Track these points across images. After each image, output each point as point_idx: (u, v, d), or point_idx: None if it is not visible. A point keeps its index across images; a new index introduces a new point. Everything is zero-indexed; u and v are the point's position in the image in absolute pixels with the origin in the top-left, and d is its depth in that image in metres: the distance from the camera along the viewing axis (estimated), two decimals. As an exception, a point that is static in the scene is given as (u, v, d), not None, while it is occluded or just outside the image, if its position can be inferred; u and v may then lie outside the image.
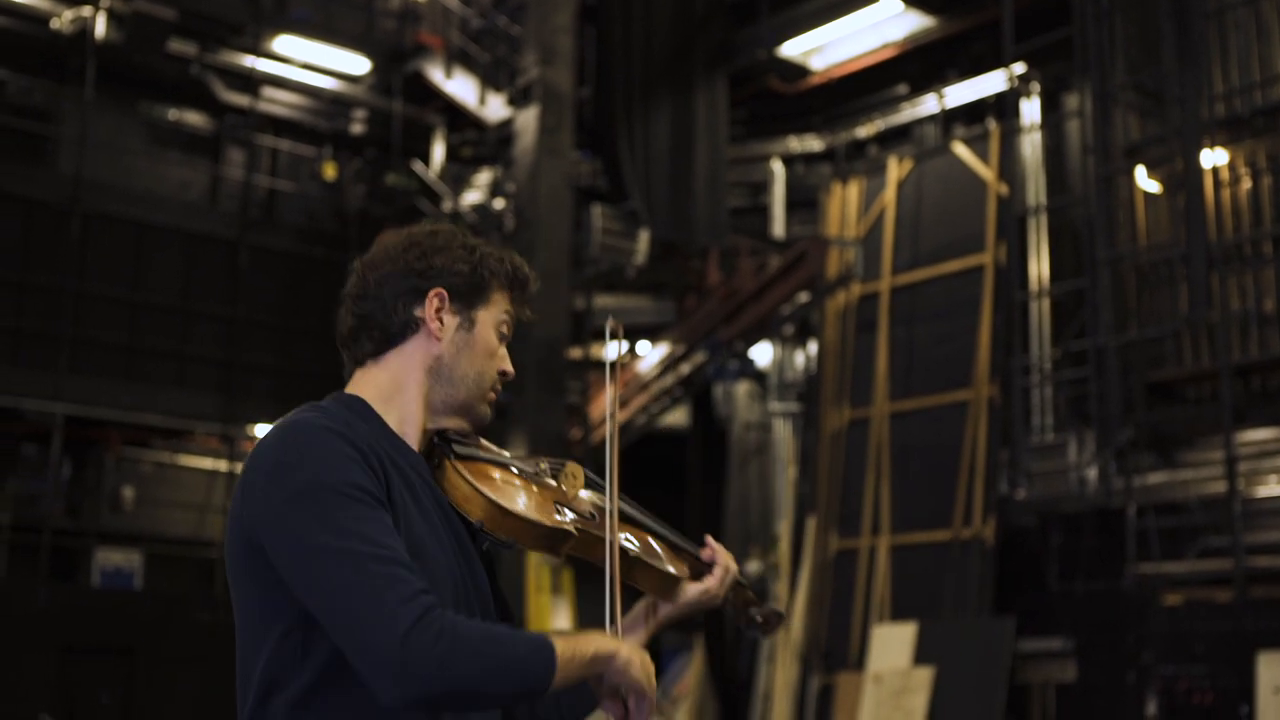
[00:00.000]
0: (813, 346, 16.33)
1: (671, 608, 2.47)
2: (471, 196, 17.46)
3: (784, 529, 15.50)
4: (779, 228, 17.75)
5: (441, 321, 2.30)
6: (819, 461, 14.71)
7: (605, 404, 2.45)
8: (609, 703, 2.17)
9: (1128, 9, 13.21)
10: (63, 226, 14.90)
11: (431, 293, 2.30)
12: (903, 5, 16.21)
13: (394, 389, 2.30)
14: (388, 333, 2.30)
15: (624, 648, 2.13)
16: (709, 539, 2.55)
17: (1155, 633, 11.03)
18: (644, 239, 16.70)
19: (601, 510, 2.38)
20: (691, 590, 2.46)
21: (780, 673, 14.11)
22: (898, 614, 13.17)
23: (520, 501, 2.26)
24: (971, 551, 12.88)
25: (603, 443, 17.19)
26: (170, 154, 16.74)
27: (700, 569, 2.51)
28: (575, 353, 16.61)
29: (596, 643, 2.11)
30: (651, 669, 2.16)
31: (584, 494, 2.42)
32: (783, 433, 17.45)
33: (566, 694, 2.36)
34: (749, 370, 17.43)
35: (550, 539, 2.26)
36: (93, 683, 13.47)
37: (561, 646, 2.04)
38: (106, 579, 14.77)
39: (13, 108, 15.24)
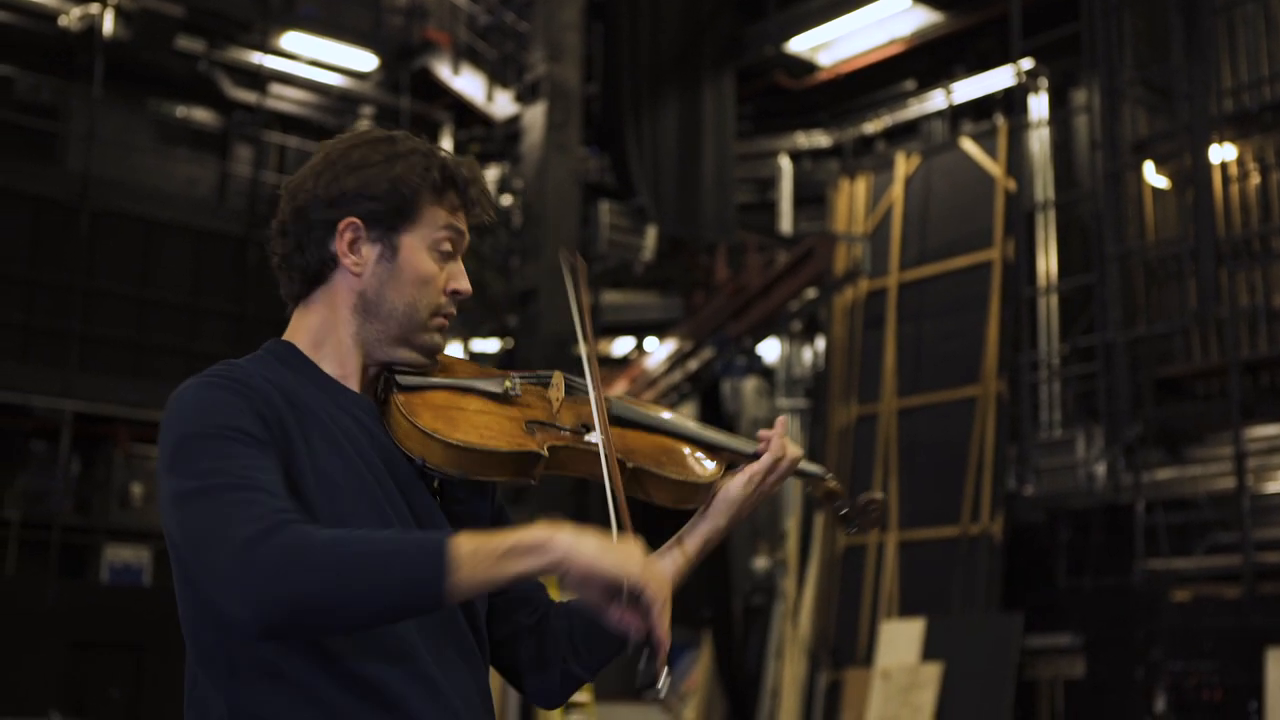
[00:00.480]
0: (820, 342, 16.33)
1: (718, 515, 2.22)
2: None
3: (792, 525, 15.49)
4: (787, 224, 17.75)
5: (360, 254, 2.07)
6: (827, 457, 14.70)
7: (575, 305, 2.28)
8: (614, 614, 1.81)
9: (1136, 4, 13.19)
10: (71, 224, 14.92)
11: (341, 225, 2.06)
12: (910, 1, 16.19)
13: (324, 332, 2.10)
14: (307, 273, 2.10)
15: (565, 533, 1.76)
16: (762, 433, 2.30)
17: (1164, 629, 11.01)
18: (651, 235, 16.70)
19: (592, 422, 2.14)
20: (733, 487, 2.22)
21: (788, 668, 14.11)
22: (906, 610, 13.16)
23: (465, 428, 2.02)
24: (979, 547, 12.87)
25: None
26: (178, 151, 16.75)
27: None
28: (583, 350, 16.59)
29: (519, 533, 1.76)
30: (635, 555, 1.79)
31: (571, 405, 2.18)
32: (792, 429, 17.45)
33: (580, 629, 2.15)
34: (756, 366, 17.44)
35: (508, 465, 2.02)
36: (102, 679, 13.49)
37: (462, 542, 1.73)
38: (115, 575, 14.80)
39: (21, 105, 15.27)
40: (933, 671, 12.07)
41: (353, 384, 2.09)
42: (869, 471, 14.18)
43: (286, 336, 2.13)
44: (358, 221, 2.05)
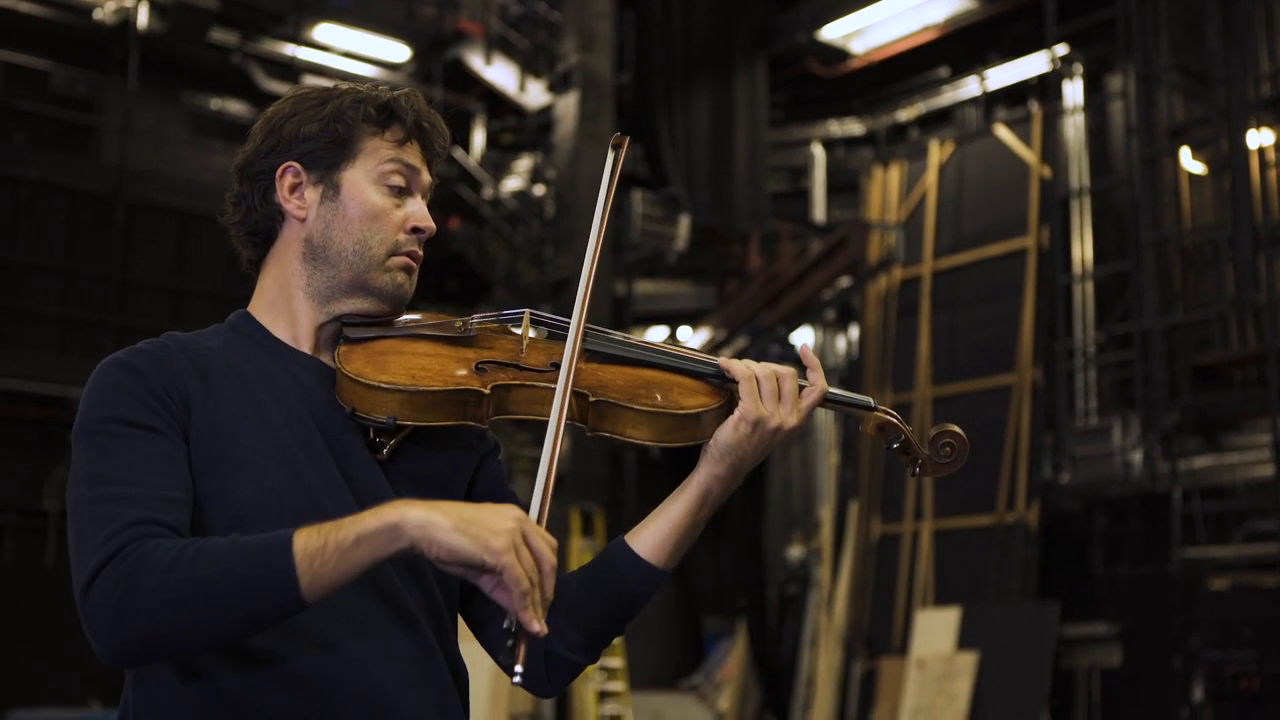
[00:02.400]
0: (854, 331, 16.30)
1: (714, 461, 1.98)
2: (512, 183, 17.49)
3: (826, 514, 15.46)
4: (820, 212, 17.71)
5: (303, 198, 1.99)
6: (861, 447, 14.67)
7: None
8: (486, 587, 1.66)
9: (1172, -12, 13.10)
10: (107, 216, 15.01)
11: (279, 170, 1.99)
12: (944, -13, 16.13)
13: (278, 292, 2.02)
14: (258, 233, 2.03)
15: (417, 511, 1.62)
16: (720, 361, 2.04)
17: (1201, 618, 10.95)
18: (684, 224, 16.69)
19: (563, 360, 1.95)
20: (722, 429, 1.97)
21: (823, 658, 14.09)
22: (941, 599, 13.12)
23: (395, 370, 1.88)
24: (1015, 536, 12.82)
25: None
26: (213, 143, 16.82)
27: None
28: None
29: (364, 519, 1.64)
30: (499, 528, 1.63)
31: (544, 345, 2.03)
32: (824, 418, 17.41)
33: (564, 606, 1.98)
34: (790, 355, 17.40)
35: (442, 405, 1.87)
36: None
37: (306, 540, 1.63)
38: (153, 565, 14.89)
39: (57, 99, 15.36)
40: (968, 660, 12.04)
41: (304, 345, 2.00)
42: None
43: (249, 306, 2.07)
44: (296, 165, 1.99)
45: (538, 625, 1.62)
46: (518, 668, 1.63)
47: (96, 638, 1.66)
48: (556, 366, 1.95)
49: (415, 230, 2.01)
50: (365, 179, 1.99)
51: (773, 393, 1.98)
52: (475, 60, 16.88)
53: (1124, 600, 11.90)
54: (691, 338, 17.36)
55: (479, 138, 18.01)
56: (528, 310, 2.07)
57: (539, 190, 16.27)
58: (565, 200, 15.55)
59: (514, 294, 15.91)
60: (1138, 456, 12.17)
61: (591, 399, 1.92)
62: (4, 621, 13.01)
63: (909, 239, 14.87)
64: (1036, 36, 14.97)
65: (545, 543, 1.66)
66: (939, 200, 14.76)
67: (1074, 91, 14.36)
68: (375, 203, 1.98)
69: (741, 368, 1.99)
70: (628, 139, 2.16)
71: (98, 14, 15.21)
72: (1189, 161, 12.90)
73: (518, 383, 1.92)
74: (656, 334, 20.04)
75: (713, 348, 16.72)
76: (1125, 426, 12.48)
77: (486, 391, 1.88)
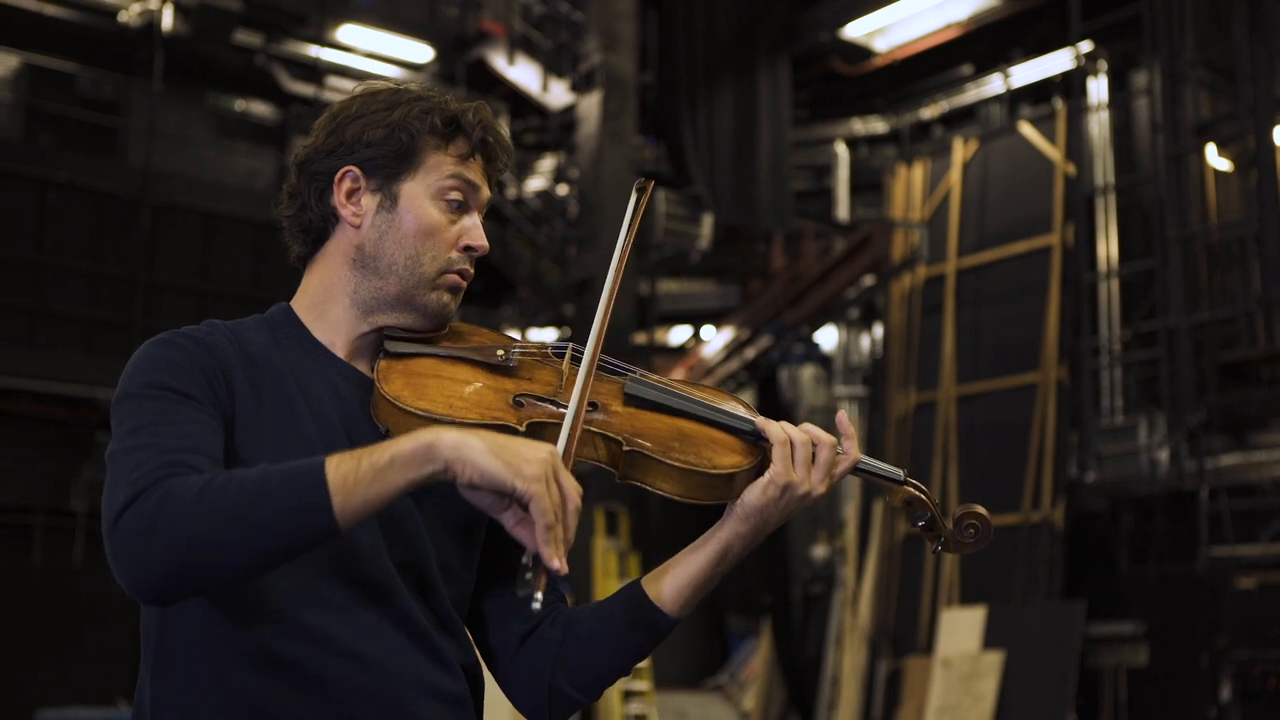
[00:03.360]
0: (878, 330, 16.26)
1: (738, 520, 1.95)
2: (535, 183, 17.51)
3: (851, 513, 15.44)
4: (843, 211, 17.67)
5: (359, 204, 1.96)
6: (885, 445, 14.64)
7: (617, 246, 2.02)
8: (509, 521, 1.66)
9: (1197, -16, 13.05)
10: (133, 217, 15.08)
11: (339, 174, 1.96)
12: (967, -15, 16.09)
13: (323, 294, 2.00)
14: (310, 231, 2.01)
15: (451, 435, 1.62)
16: (756, 420, 1.99)
17: (1229, 617, 10.90)
18: (708, 224, 16.68)
19: (603, 400, 1.95)
20: (751, 490, 1.93)
21: (848, 657, 14.07)
22: (966, 598, 13.09)
23: (433, 396, 1.86)
24: (1041, 535, 12.78)
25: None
26: (237, 144, 16.90)
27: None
28: (640, 338, 16.62)
29: (398, 441, 1.64)
30: (533, 457, 1.62)
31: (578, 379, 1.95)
32: (852, 416, 17.37)
33: (573, 645, 1.98)
34: (814, 354, 17.38)
35: None
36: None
37: (339, 463, 1.62)
38: (179, 565, 14.96)
39: (83, 101, 15.45)
40: (994, 660, 12.01)
41: (340, 350, 1.98)
42: (928, 459, 14.11)
43: (293, 301, 2.05)
44: (355, 170, 1.96)
45: (558, 562, 1.60)
46: (538, 595, 1.61)
47: (125, 572, 1.63)
48: (595, 407, 1.93)
49: (468, 249, 1.98)
50: (424, 193, 1.96)
51: (806, 460, 1.94)
52: (498, 60, 16.91)
53: (1151, 599, 11.85)
54: (714, 337, 17.35)
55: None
56: (571, 345, 2.04)
57: (562, 190, 16.28)
58: (588, 200, 15.56)
59: (537, 293, 15.93)
60: (1164, 455, 12.12)
61: (625, 447, 1.89)
62: (32, 621, 13.09)
63: (933, 237, 14.83)
64: (1061, 33, 14.91)
65: (572, 485, 1.65)
66: (963, 198, 14.72)
67: (1099, 88, 14.29)
68: (432, 219, 1.95)
69: (778, 431, 1.95)
70: (653, 184, 2.11)
71: (123, 16, 15.29)
72: (1215, 158, 12.84)
73: (554, 421, 1.88)
74: (680, 333, 20.04)
75: (736, 347, 16.72)
76: (1151, 425, 12.42)
77: (522, 429, 1.85)
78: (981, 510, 2.06)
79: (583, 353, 1.97)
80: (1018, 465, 13.21)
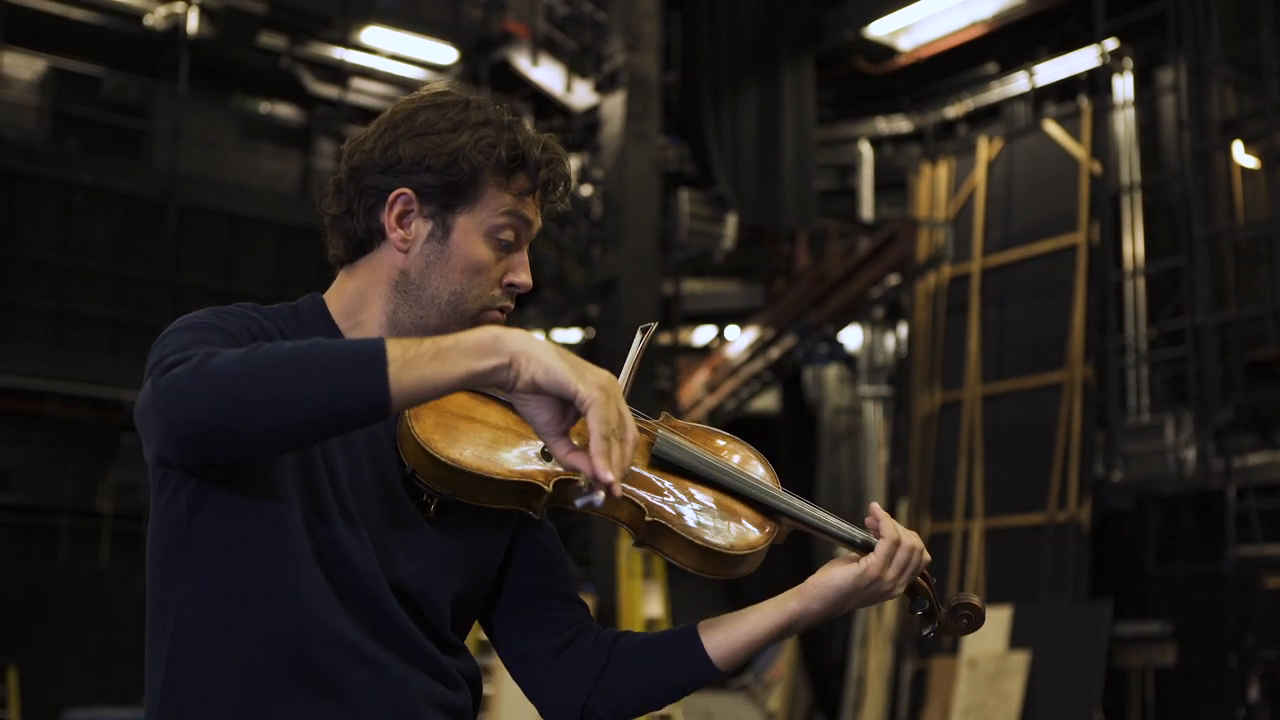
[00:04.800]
0: (903, 329, 16.23)
1: (813, 598, 1.95)
2: (559, 184, 17.50)
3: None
4: (868, 210, 17.64)
5: (409, 229, 1.88)
6: (911, 445, 14.61)
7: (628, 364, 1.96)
8: (562, 449, 1.62)
9: (1223, -19, 12.98)
10: (159, 220, 15.14)
11: (393, 195, 1.87)
12: (991, -17, 16.04)
13: (359, 303, 1.93)
14: (354, 239, 1.92)
15: (517, 334, 1.58)
16: (874, 507, 2.00)
17: (1257, 616, 10.84)
18: (732, 223, 16.66)
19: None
20: (838, 574, 1.94)
21: (873, 658, 14.04)
22: (992, 598, 13.05)
23: (464, 444, 1.81)
24: (1067, 534, 12.74)
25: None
26: (262, 146, 16.96)
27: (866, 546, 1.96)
28: (664, 338, 16.61)
29: (465, 333, 1.58)
30: (594, 371, 1.59)
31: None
32: (873, 416, 17.35)
33: (616, 669, 1.96)
34: (839, 354, 17.35)
35: (501, 493, 1.82)
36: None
37: (397, 341, 1.56)
38: (206, 566, 15.01)
39: (109, 104, 15.52)
40: (1020, 660, 11.97)
41: None
42: (953, 459, 14.08)
43: (326, 295, 1.98)
44: (410, 193, 1.86)
45: (611, 474, 1.55)
46: (598, 498, 1.57)
47: (164, 422, 1.56)
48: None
49: (510, 285, 1.91)
50: (478, 229, 1.88)
51: (903, 563, 1.95)
52: (522, 61, 16.92)
53: (1178, 599, 11.80)
54: (739, 337, 17.34)
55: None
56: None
57: (586, 190, 16.28)
58: (612, 200, 15.55)
59: (561, 294, 15.93)
60: (1191, 454, 12.07)
61: (647, 517, 1.86)
62: (59, 622, 13.15)
63: (958, 236, 14.80)
64: (1086, 31, 14.85)
65: (630, 416, 1.62)
66: (988, 197, 14.68)
67: (1124, 86, 14.24)
68: (482, 258, 1.88)
69: (890, 528, 1.96)
70: (656, 325, 2.06)
71: (148, 20, 15.36)
72: (1241, 155, 12.77)
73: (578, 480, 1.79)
74: (704, 333, 20.02)
75: (760, 347, 16.70)
76: (1178, 423, 12.37)
77: (549, 489, 1.81)
78: (976, 602, 2.08)
79: (643, 419, 1.95)
80: (1043, 465, 13.16)
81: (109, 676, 13.05)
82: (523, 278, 1.92)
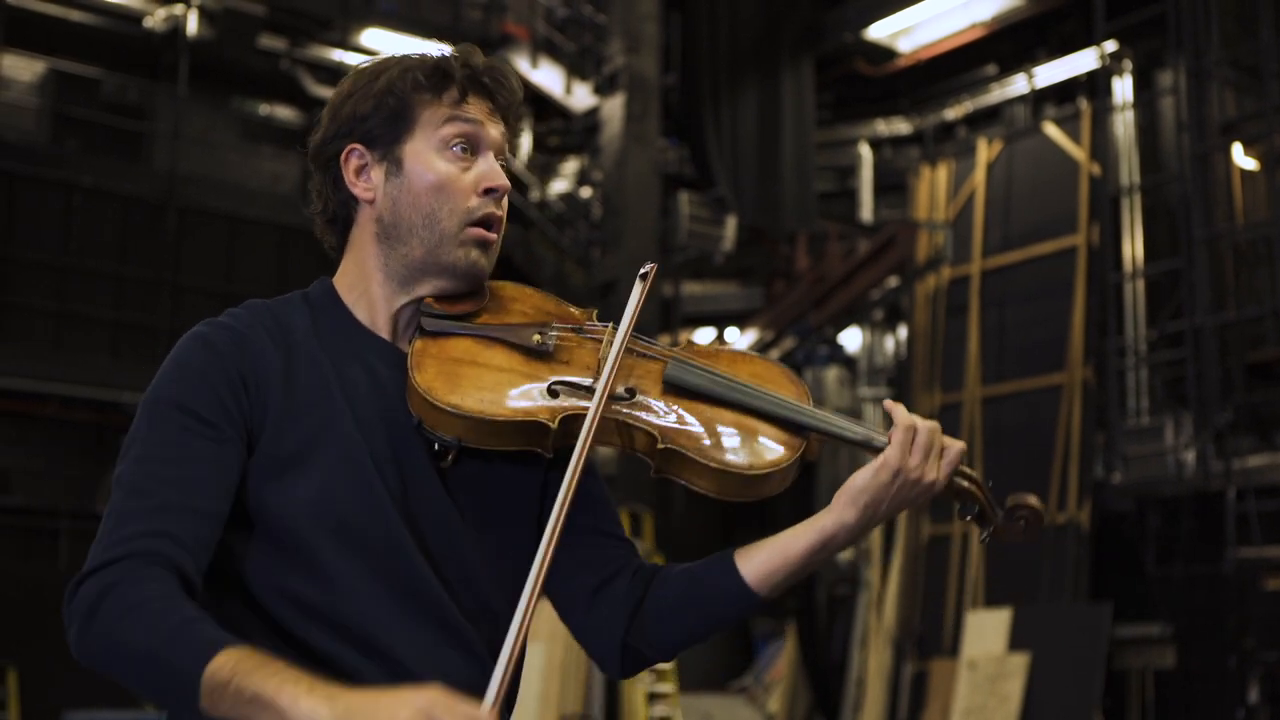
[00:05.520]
0: (903, 331, 16.23)
1: (842, 507, 1.89)
2: (558, 186, 17.53)
3: (876, 515, 15.39)
4: (867, 211, 17.66)
5: (369, 179, 1.94)
6: (910, 446, 14.60)
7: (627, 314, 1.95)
8: None
9: (1223, -17, 12.98)
10: (158, 221, 15.14)
11: (342, 155, 1.94)
12: (991, -15, 16.05)
13: (359, 275, 1.96)
14: (336, 221, 1.99)
15: (307, 700, 1.50)
16: (888, 402, 1.94)
17: (1257, 617, 10.84)
18: (731, 225, 16.68)
19: (642, 385, 1.91)
20: (859, 475, 1.87)
21: (873, 659, 14.04)
22: (992, 599, 13.05)
23: (466, 389, 1.84)
24: (1067, 536, 12.73)
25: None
26: (262, 148, 16.95)
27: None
28: (664, 340, 16.61)
29: (282, 685, 1.52)
30: (404, 715, 1.46)
31: (624, 362, 1.93)
32: (873, 418, 17.35)
33: (655, 607, 1.95)
34: (838, 355, 17.36)
35: (507, 434, 1.83)
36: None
37: (218, 668, 1.55)
38: (205, 568, 15.01)
39: (109, 105, 15.52)
40: (1020, 662, 11.96)
41: (381, 327, 1.95)
42: (953, 460, 14.07)
43: (335, 278, 2.02)
44: (358, 146, 1.93)
45: None
46: None
47: (68, 634, 1.71)
48: (632, 393, 1.89)
49: (487, 191, 1.93)
50: (427, 148, 1.92)
51: (925, 445, 1.87)
52: (521, 63, 16.92)
53: (1177, 601, 11.79)
54: (739, 338, 17.34)
55: (525, 140, 18.06)
56: (610, 325, 1.99)
57: (586, 192, 16.29)
58: (612, 202, 15.56)
59: (561, 296, 15.93)
60: (1191, 455, 12.06)
61: (660, 444, 1.85)
62: (59, 624, 13.10)
63: (957, 238, 14.80)
64: (1085, 33, 14.86)
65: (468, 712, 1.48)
66: (987, 199, 14.68)
67: (1123, 88, 14.24)
68: (440, 171, 1.91)
69: (903, 414, 1.89)
70: (656, 268, 2.07)
71: (148, 22, 15.36)
72: (1241, 157, 12.77)
73: (586, 414, 1.83)
74: (704, 335, 20.02)
75: (761, 348, 16.69)
76: (1178, 425, 12.36)
77: (554, 426, 1.82)
78: (1034, 502, 1.99)
79: (639, 340, 1.96)
80: (1043, 466, 13.16)
81: (109, 679, 13.05)
82: (495, 179, 1.93)
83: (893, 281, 15.65)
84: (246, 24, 15.40)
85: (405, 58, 1.96)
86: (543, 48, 16.95)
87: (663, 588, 1.97)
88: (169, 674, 1.59)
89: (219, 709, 1.55)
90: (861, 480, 1.87)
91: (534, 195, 16.78)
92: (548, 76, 17.01)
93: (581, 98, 16.80)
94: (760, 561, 1.91)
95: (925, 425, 1.88)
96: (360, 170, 1.94)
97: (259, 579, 1.81)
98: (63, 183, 14.73)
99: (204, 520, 1.75)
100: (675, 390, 1.91)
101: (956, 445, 1.91)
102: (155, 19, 15.32)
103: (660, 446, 1.85)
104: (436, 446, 1.87)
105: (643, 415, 1.87)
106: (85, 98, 15.44)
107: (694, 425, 1.88)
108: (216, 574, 1.80)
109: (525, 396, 1.85)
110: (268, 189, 16.71)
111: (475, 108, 1.94)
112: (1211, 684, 11.26)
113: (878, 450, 1.89)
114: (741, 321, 17.99)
